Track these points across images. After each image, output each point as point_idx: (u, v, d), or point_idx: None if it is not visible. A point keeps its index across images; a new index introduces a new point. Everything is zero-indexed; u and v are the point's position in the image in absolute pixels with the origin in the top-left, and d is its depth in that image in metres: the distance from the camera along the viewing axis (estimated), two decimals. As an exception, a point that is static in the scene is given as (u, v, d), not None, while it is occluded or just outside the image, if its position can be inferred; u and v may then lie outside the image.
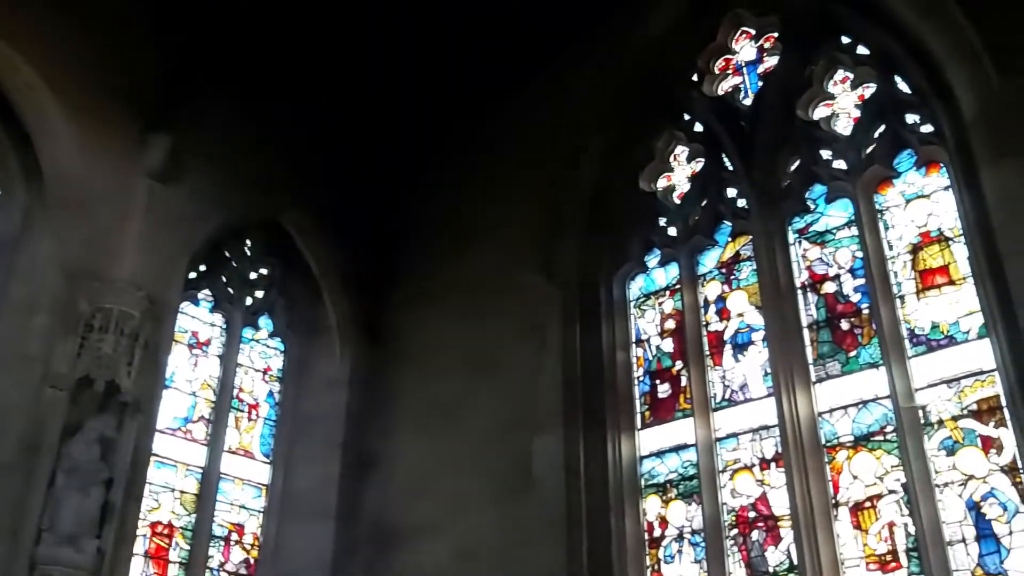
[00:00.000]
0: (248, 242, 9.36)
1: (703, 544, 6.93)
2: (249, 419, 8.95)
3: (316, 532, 8.36)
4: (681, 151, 8.52)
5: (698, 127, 8.43)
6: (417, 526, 8.06)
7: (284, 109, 9.16)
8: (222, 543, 8.34)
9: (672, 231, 8.22)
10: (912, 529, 6.07)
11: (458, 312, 8.80)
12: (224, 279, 9.09)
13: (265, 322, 9.39)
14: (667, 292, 8.13)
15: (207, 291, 8.95)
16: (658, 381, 7.83)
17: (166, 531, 7.97)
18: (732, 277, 7.77)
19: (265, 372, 9.25)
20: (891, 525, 6.21)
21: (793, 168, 7.66)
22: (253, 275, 9.35)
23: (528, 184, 8.74)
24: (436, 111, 9.61)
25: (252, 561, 8.47)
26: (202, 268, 8.86)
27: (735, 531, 6.87)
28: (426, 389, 8.72)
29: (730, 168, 8.01)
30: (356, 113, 9.43)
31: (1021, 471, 5.76)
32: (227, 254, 9.17)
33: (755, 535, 6.77)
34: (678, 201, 8.34)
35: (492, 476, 7.79)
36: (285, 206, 9.22)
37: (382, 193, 9.78)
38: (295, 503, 8.61)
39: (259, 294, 9.34)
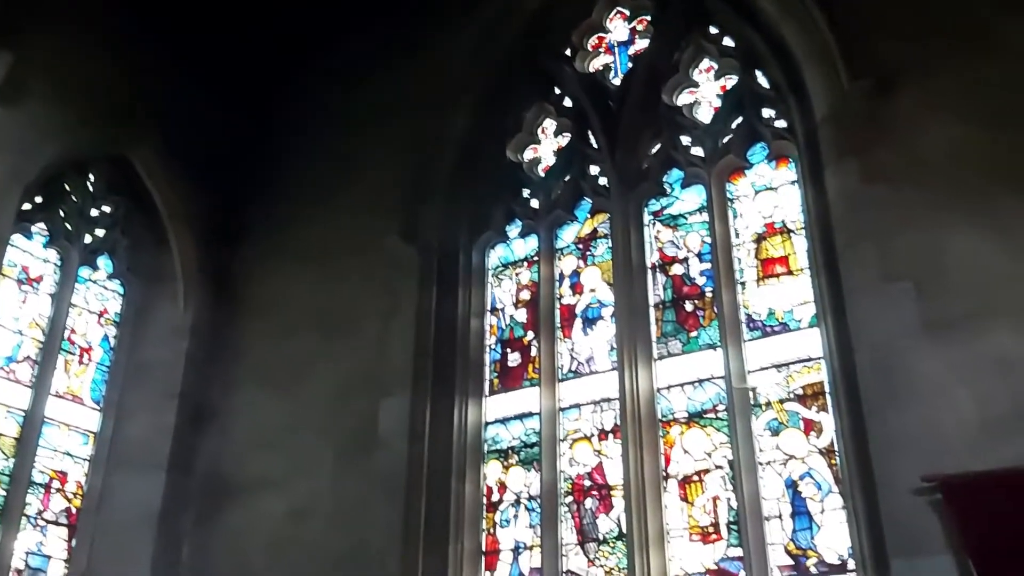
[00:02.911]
0: (92, 176, 8.75)
1: (539, 510, 7.07)
2: (80, 363, 8.47)
3: (145, 483, 8.00)
4: (549, 124, 8.57)
5: (567, 102, 8.49)
6: (254, 482, 7.86)
7: (143, 40, 8.63)
8: (42, 490, 7.88)
9: (534, 203, 8.28)
10: (734, 503, 6.37)
11: (313, 269, 8.57)
12: (62, 213, 8.48)
13: (104, 262, 8.84)
14: (525, 263, 8.20)
15: (42, 224, 8.34)
16: (509, 350, 7.90)
17: (-20, 475, 7.50)
18: (588, 253, 7.91)
19: (101, 315, 8.76)
20: (715, 499, 6.50)
21: (654, 151, 7.83)
22: (95, 212, 8.76)
23: (394, 145, 8.57)
24: (303, 61, 9.36)
25: (74, 510, 8.05)
26: (38, 200, 8.25)
27: (570, 498, 7.04)
28: (273, 344, 8.47)
29: (595, 146, 8.12)
30: (216, 54, 9.01)
31: (836, 453, 6.13)
32: (67, 187, 8.55)
33: (588, 503, 6.96)
34: (542, 174, 8.40)
35: (335, 436, 7.67)
36: (135, 141, 8.68)
37: (241, 139, 9.40)
38: (125, 452, 8.21)
39: (100, 232, 8.76)
